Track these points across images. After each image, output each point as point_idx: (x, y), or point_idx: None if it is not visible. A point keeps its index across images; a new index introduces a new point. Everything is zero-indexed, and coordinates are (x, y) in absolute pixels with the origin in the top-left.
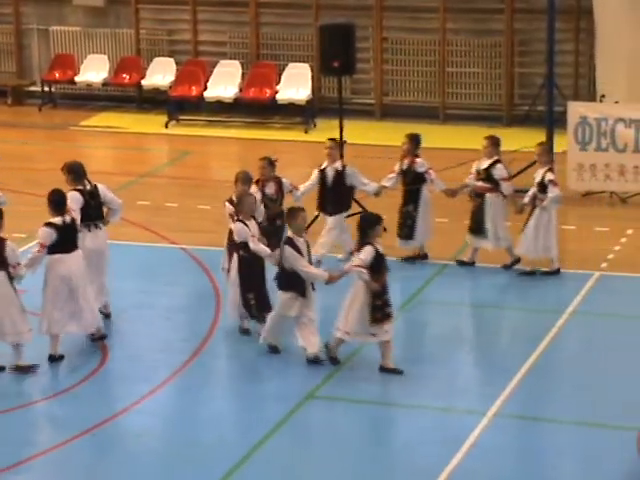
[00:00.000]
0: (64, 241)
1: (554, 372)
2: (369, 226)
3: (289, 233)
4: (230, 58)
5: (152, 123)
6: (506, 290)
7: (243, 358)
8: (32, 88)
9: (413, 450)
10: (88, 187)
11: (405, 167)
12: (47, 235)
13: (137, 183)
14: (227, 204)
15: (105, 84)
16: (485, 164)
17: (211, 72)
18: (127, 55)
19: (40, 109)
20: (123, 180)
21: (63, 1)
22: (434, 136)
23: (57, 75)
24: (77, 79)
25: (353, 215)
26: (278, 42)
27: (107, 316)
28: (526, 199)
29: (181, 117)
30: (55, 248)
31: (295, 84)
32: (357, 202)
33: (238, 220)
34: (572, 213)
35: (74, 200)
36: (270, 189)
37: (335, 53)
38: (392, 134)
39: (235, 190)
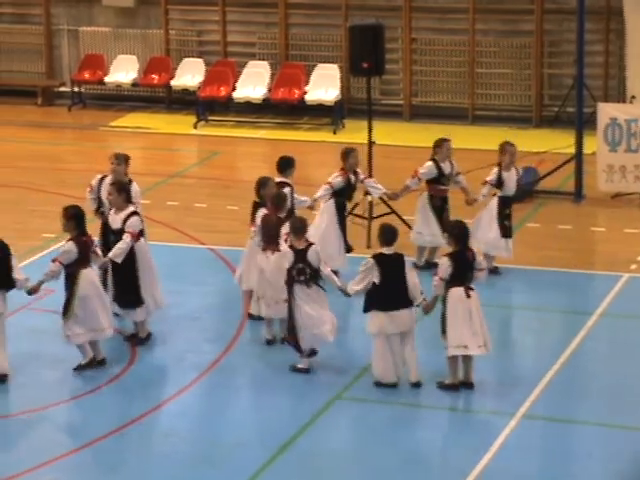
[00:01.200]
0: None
1: (583, 373)
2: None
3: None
4: (259, 59)
5: (181, 123)
6: (534, 291)
7: (270, 359)
8: (62, 89)
9: (441, 451)
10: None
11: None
12: (138, 224)
13: (166, 183)
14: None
15: (134, 84)
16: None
17: (240, 73)
18: (156, 56)
19: (70, 109)
20: (152, 180)
21: (93, 2)
22: (463, 137)
23: (87, 75)
24: (106, 79)
25: (382, 216)
26: (307, 43)
27: None
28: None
29: (210, 117)
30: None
31: (324, 85)
32: (385, 203)
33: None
34: (602, 215)
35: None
36: None
37: (364, 54)
38: (421, 135)
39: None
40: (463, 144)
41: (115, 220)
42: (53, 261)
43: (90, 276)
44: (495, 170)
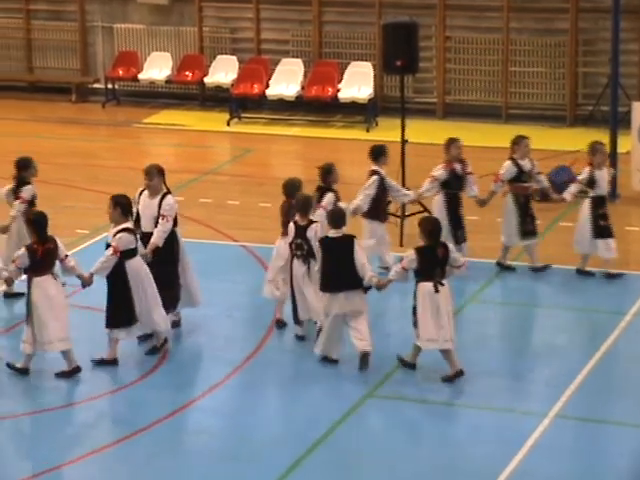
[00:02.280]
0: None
1: (616, 374)
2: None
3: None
4: (293, 56)
5: (214, 121)
6: (568, 291)
7: (302, 356)
8: (96, 85)
9: (472, 450)
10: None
11: None
12: (125, 241)
13: (199, 181)
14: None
15: (168, 82)
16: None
17: (273, 70)
18: (190, 53)
19: (103, 106)
20: (185, 177)
21: None
22: (496, 136)
23: (121, 72)
24: (140, 76)
25: (415, 214)
26: (341, 40)
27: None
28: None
29: (243, 115)
30: (131, 253)
31: (357, 83)
32: (420, 203)
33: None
34: (636, 214)
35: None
36: None
37: (398, 52)
38: (454, 133)
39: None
40: (496, 143)
41: (110, 234)
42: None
43: (44, 285)
44: (587, 170)
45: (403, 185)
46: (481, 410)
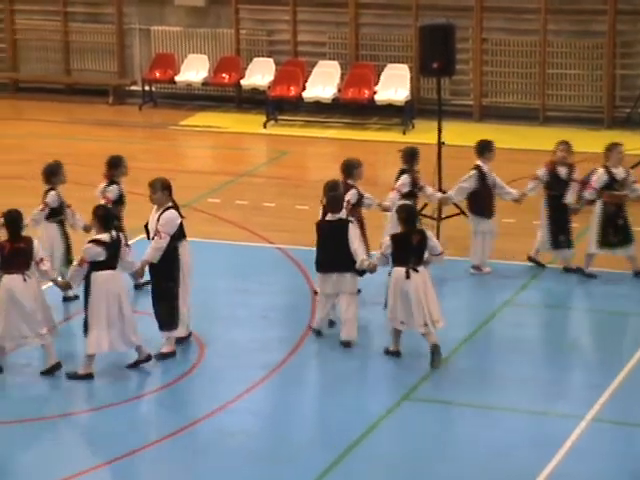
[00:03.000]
0: (111, 258)
1: None
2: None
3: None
4: (329, 58)
5: (251, 123)
6: (605, 293)
7: (339, 358)
8: (133, 87)
9: (508, 453)
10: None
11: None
12: (91, 253)
13: (235, 182)
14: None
15: (205, 84)
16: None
17: (310, 72)
18: (227, 55)
19: (140, 108)
20: (221, 179)
21: (165, 1)
22: (533, 138)
23: (157, 75)
24: (177, 79)
25: (451, 217)
26: (377, 43)
27: None
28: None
29: (279, 117)
30: (101, 265)
31: (394, 85)
32: (457, 205)
33: None
34: None
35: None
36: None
37: (435, 54)
38: (491, 136)
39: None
40: (533, 145)
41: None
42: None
43: (10, 284)
44: (622, 169)
45: (439, 188)
46: (517, 413)
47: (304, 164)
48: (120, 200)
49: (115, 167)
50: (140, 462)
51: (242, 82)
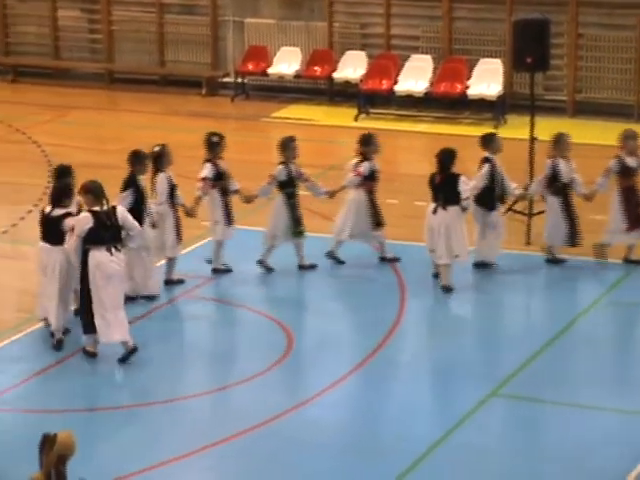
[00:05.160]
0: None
1: None
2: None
3: None
4: (422, 52)
5: (342, 116)
6: None
7: (427, 354)
8: (226, 79)
9: (597, 453)
10: (105, 208)
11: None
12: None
13: (325, 175)
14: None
15: (297, 76)
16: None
17: (402, 66)
18: (319, 48)
19: (232, 100)
20: (312, 172)
21: None
22: None
23: (250, 67)
24: (270, 71)
25: (542, 212)
26: (470, 37)
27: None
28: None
29: (371, 110)
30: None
31: (486, 79)
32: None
33: None
34: None
35: (81, 221)
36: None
37: (528, 49)
38: (584, 132)
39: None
40: None
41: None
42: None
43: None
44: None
45: (529, 184)
46: (606, 412)
47: (395, 158)
48: (172, 192)
49: (158, 158)
50: (228, 451)
51: (334, 75)
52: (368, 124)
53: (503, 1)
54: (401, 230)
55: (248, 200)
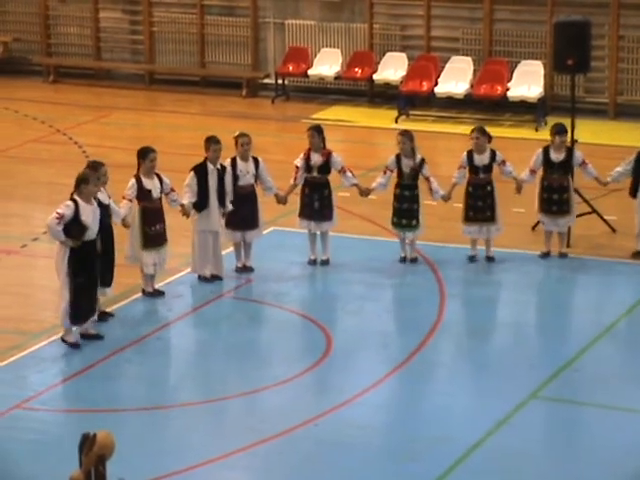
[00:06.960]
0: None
1: None
2: None
3: None
4: (462, 54)
5: (382, 117)
6: None
7: (466, 355)
8: (266, 80)
9: (635, 456)
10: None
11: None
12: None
13: (366, 177)
14: None
15: (337, 78)
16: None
17: (443, 68)
18: (360, 49)
19: (273, 101)
20: None
21: None
22: None
23: (291, 68)
24: (310, 72)
25: (582, 215)
26: (511, 39)
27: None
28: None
29: (411, 112)
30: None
31: (527, 81)
32: (588, 203)
33: None
34: None
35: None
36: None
37: (569, 51)
38: (625, 134)
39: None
40: None
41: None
42: None
43: None
44: None
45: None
46: None
47: (435, 159)
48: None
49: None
50: (266, 452)
51: (374, 77)
52: (408, 126)
53: (544, 3)
54: (439, 231)
55: (366, 193)
